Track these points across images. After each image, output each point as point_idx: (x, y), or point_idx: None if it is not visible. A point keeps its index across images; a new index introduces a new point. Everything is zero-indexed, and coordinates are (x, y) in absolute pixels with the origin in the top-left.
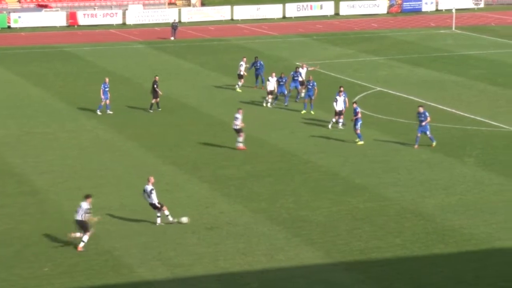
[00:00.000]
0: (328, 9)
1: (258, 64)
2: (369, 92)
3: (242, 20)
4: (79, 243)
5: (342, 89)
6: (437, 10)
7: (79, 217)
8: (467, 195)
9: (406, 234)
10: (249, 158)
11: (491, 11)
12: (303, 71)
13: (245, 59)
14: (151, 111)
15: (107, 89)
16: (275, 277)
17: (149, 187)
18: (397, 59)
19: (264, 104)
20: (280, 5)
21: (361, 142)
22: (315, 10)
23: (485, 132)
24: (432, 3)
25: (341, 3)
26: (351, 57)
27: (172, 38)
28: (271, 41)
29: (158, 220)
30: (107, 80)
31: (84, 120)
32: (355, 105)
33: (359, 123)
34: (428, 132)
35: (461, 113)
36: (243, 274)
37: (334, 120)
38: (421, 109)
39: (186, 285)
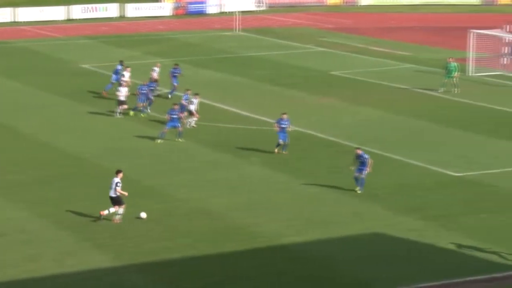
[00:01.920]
0: (113, 11)
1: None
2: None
3: (25, 22)
4: (115, 216)
5: (189, 92)
6: (221, 12)
7: (112, 193)
8: (254, 193)
9: (195, 233)
10: (38, 163)
11: (272, 13)
12: (157, 69)
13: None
14: None
15: None
16: (66, 282)
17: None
18: (183, 61)
19: (118, 115)
20: (65, 7)
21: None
22: (100, 12)
23: (270, 132)
24: (216, 5)
25: (127, 5)
26: (137, 59)
27: None
28: (55, 43)
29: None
30: None
31: None
32: (176, 107)
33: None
34: (287, 140)
35: (246, 114)
36: (30, 281)
37: (191, 120)
38: (285, 116)
39: None
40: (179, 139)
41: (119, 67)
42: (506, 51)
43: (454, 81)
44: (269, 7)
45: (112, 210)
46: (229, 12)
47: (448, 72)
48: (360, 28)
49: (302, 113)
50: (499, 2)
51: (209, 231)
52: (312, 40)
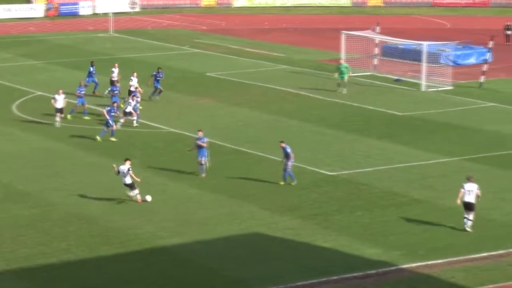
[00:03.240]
0: None
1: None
2: (29, 96)
3: None
4: (137, 196)
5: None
6: (94, 13)
7: (128, 181)
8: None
9: (71, 238)
10: None
11: (146, 14)
12: (116, 70)
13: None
14: None
15: None
16: None
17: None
18: (56, 63)
19: (57, 124)
20: None
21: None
22: None
23: (146, 134)
24: (89, 6)
25: None
26: (9, 62)
27: None
28: None
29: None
30: None
31: None
32: (115, 105)
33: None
34: (205, 158)
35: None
36: None
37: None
38: (200, 134)
39: None
40: (112, 139)
41: (91, 68)
42: (376, 52)
43: (345, 81)
44: (143, 8)
45: (136, 192)
46: (102, 13)
47: (341, 73)
48: (234, 29)
49: (179, 114)
50: (368, 4)
51: (85, 234)
52: (187, 42)
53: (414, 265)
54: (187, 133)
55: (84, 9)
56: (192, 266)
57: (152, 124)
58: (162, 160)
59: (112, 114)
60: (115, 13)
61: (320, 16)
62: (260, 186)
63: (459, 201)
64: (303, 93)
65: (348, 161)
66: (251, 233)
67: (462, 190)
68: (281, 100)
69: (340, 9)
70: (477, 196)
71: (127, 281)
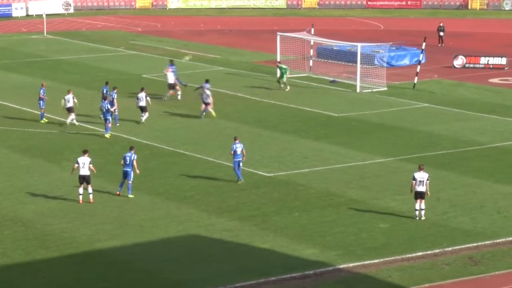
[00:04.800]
0: None
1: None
2: None
3: None
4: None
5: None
6: (27, 15)
7: (86, 172)
8: (66, 199)
9: (6, 241)
10: None
11: (81, 16)
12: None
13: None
14: None
15: None
16: None
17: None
18: None
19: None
20: None
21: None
22: None
23: (83, 136)
24: (22, 8)
25: None
26: None
27: None
28: None
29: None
30: None
31: None
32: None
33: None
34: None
35: (58, 118)
36: None
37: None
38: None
39: None
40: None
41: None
42: (311, 54)
43: (285, 81)
44: (77, 10)
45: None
46: (36, 15)
47: (282, 73)
48: (170, 31)
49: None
50: (303, 6)
51: (21, 238)
52: (122, 43)
53: (351, 265)
54: (124, 135)
55: (17, 11)
56: (131, 269)
57: (89, 126)
58: (98, 162)
59: (106, 109)
60: (49, 15)
61: (255, 18)
62: (198, 188)
63: (410, 192)
64: (240, 94)
65: (286, 162)
66: (189, 235)
67: (413, 181)
68: (218, 102)
69: (275, 11)
70: (426, 186)
71: (64, 285)
